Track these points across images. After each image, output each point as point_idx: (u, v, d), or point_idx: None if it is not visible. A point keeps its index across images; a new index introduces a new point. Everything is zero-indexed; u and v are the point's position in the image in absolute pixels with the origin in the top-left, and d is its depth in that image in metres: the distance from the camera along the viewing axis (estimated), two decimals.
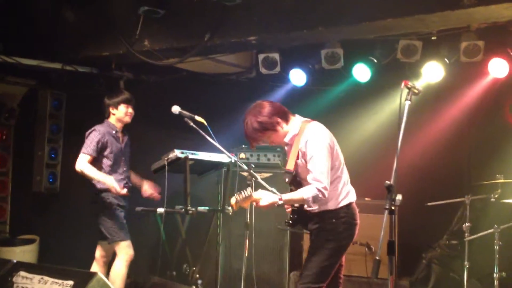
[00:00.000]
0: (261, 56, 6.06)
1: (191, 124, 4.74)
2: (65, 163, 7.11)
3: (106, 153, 4.99)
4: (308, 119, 3.86)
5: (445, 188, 5.60)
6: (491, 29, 5.03)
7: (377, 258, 2.89)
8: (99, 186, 4.95)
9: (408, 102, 3.13)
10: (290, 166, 3.74)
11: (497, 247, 4.94)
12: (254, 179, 4.67)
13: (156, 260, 4.91)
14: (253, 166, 4.67)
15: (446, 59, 5.48)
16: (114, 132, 5.10)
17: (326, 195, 3.60)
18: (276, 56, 6.00)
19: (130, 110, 5.14)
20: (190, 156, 4.46)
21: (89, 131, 5.03)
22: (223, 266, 5.67)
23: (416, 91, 3.15)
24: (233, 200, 3.58)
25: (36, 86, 6.93)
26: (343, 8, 4.57)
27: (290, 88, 6.49)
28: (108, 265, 5.08)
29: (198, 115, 4.69)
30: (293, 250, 6.16)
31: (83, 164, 4.87)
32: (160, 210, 4.51)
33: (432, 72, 5.55)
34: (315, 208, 3.74)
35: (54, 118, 6.96)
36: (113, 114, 5.13)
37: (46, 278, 3.95)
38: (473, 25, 4.96)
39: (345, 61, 5.78)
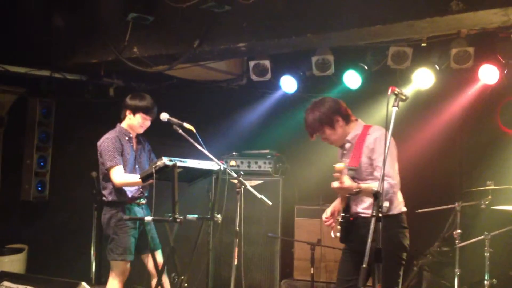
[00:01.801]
0: (251, 63, 6.04)
1: (180, 131, 4.71)
2: (54, 171, 7.06)
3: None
4: (369, 125, 3.87)
5: (436, 195, 5.60)
6: (481, 36, 5.03)
7: (364, 266, 2.85)
8: (110, 198, 4.75)
9: (395, 108, 3.10)
10: (354, 163, 3.70)
11: (488, 254, 4.92)
12: (243, 186, 4.66)
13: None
14: (242, 173, 4.65)
15: (436, 66, 5.48)
16: (126, 138, 4.83)
17: (396, 192, 3.60)
18: (267, 63, 5.99)
19: (147, 122, 4.81)
20: (179, 164, 4.40)
21: (101, 141, 4.75)
22: (212, 275, 5.63)
23: (404, 97, 3.13)
24: (340, 165, 3.47)
25: (25, 94, 6.89)
26: (332, 15, 4.56)
27: (281, 95, 6.47)
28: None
29: (188, 122, 4.66)
30: (284, 258, 6.13)
31: (120, 176, 4.62)
32: (148, 218, 4.45)
33: (423, 79, 5.54)
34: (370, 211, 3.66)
35: (43, 126, 6.91)
36: (128, 119, 4.84)
37: None
38: (462, 31, 4.96)
39: (336, 68, 5.77)
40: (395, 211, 3.70)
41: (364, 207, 3.73)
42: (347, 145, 3.84)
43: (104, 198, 4.80)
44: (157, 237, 4.93)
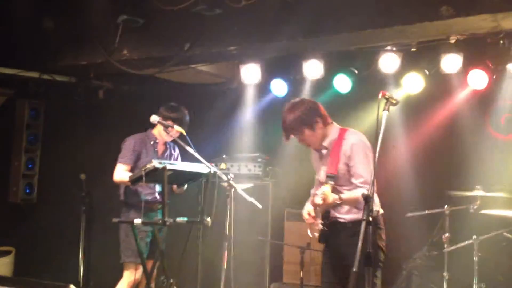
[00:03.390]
0: (242, 67, 6.04)
1: (170, 134, 4.70)
2: (43, 173, 7.01)
3: (139, 163, 4.79)
4: (346, 128, 3.85)
5: (425, 199, 5.61)
6: (470, 41, 5.06)
7: (354, 270, 2.85)
8: (121, 198, 4.80)
9: (386, 113, 3.11)
10: (331, 170, 3.67)
11: (476, 258, 4.94)
12: (233, 189, 4.65)
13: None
14: (233, 176, 4.65)
15: (426, 71, 5.51)
16: (151, 142, 4.91)
17: (375, 199, 3.55)
18: (258, 66, 5.99)
19: (174, 132, 4.75)
20: (168, 167, 4.39)
21: (125, 139, 4.89)
22: (201, 278, 5.60)
23: (394, 101, 3.14)
24: (327, 188, 3.43)
25: (13, 95, 6.84)
26: (323, 19, 4.58)
27: (271, 98, 6.47)
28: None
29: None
30: (273, 261, 6.12)
31: (118, 173, 4.72)
32: (137, 221, 4.42)
33: (412, 84, 5.57)
34: (349, 216, 3.67)
35: (31, 128, 6.86)
36: (158, 126, 4.89)
37: None
38: (452, 37, 4.98)
39: (326, 72, 5.78)
40: (374, 214, 3.67)
41: (342, 212, 3.72)
42: (324, 151, 3.80)
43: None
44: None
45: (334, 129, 3.79)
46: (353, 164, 3.61)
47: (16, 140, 6.83)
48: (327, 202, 3.44)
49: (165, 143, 5.01)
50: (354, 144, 3.64)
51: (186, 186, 4.89)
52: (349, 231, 3.65)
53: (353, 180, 3.60)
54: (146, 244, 4.74)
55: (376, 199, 3.73)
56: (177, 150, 5.03)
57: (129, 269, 4.74)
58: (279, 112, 6.13)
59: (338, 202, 3.50)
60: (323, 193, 3.40)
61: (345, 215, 3.69)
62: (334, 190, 3.61)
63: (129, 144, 4.85)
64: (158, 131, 4.94)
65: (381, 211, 3.76)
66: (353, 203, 3.61)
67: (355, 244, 3.48)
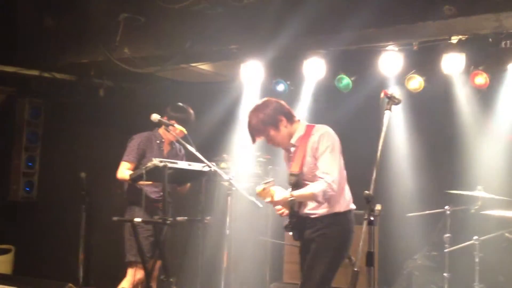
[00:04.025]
0: (243, 65, 6.02)
1: (171, 132, 4.70)
2: (43, 172, 7.00)
3: (143, 161, 4.73)
4: (313, 124, 3.82)
5: (426, 199, 5.60)
6: (472, 41, 5.04)
7: (356, 269, 2.84)
8: (125, 195, 4.79)
9: (388, 112, 3.10)
10: (295, 168, 3.65)
11: (477, 259, 4.93)
12: (234, 188, 4.64)
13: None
14: (234, 175, 4.64)
15: (427, 70, 5.49)
16: (158, 141, 4.90)
17: (336, 190, 3.51)
18: (259, 65, 5.97)
19: (178, 131, 4.71)
20: (169, 165, 4.38)
21: (131, 137, 4.89)
22: (202, 277, 5.60)
23: (396, 100, 3.13)
24: (259, 188, 3.47)
25: (14, 93, 6.83)
26: (325, 18, 4.57)
27: (272, 97, 6.43)
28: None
29: None
30: (274, 260, 6.11)
31: (121, 171, 4.72)
32: (137, 219, 4.41)
33: (414, 83, 5.55)
34: (321, 211, 3.62)
35: (32, 126, 6.86)
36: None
37: None
38: (454, 37, 4.97)
39: (328, 71, 5.76)
40: (341, 208, 3.63)
41: (310, 208, 3.67)
42: (292, 149, 3.77)
43: None
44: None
45: (301, 126, 3.76)
46: (318, 155, 3.59)
47: (16, 138, 6.83)
48: (275, 200, 3.46)
49: (171, 143, 5.00)
50: (322, 135, 3.63)
51: (189, 185, 4.84)
52: (320, 226, 3.63)
53: (316, 172, 3.57)
54: (151, 243, 4.71)
55: (348, 193, 3.71)
56: (183, 151, 4.99)
57: (133, 268, 4.72)
58: None
59: (290, 199, 3.50)
60: (258, 193, 3.44)
61: (313, 210, 3.65)
62: (298, 186, 3.60)
63: (135, 142, 4.84)
64: (163, 130, 4.91)
65: (352, 206, 3.72)
66: (308, 199, 3.59)
67: (327, 239, 3.58)
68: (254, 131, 3.74)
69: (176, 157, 4.95)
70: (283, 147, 3.85)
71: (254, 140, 3.81)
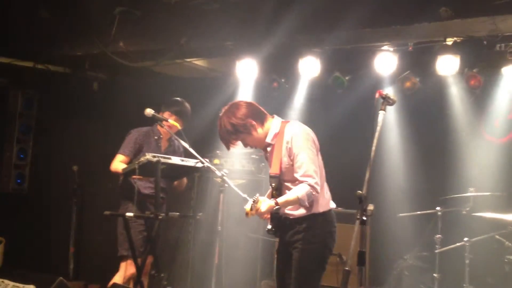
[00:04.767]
0: (238, 62, 6.01)
1: (165, 127, 4.69)
2: (35, 164, 6.97)
3: (140, 156, 4.62)
4: (287, 120, 3.71)
5: (417, 200, 5.62)
6: (467, 43, 5.06)
7: (347, 268, 2.84)
8: (120, 190, 4.76)
9: (382, 112, 3.10)
10: (274, 169, 3.54)
11: (468, 260, 4.96)
12: (226, 185, 4.64)
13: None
14: (227, 172, 4.63)
15: (422, 71, 5.50)
16: (156, 137, 4.87)
17: (319, 191, 3.42)
18: (254, 62, 5.96)
19: (172, 126, 4.67)
20: (162, 160, 4.36)
21: (129, 131, 4.87)
22: (193, 273, 5.61)
23: (391, 101, 3.12)
24: (248, 208, 3.36)
25: (6, 84, 6.79)
26: (320, 16, 4.57)
27: (266, 95, 6.45)
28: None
29: None
30: (265, 258, 6.12)
31: (115, 163, 4.70)
32: (129, 214, 4.40)
33: (408, 84, 5.56)
34: (300, 212, 3.51)
35: (24, 117, 6.83)
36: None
37: (7, 281, 3.84)
38: (449, 38, 4.99)
39: (322, 70, 5.76)
40: (320, 209, 3.52)
41: (289, 208, 3.55)
42: (269, 149, 3.66)
43: None
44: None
45: (275, 122, 3.64)
46: (293, 157, 3.48)
47: (8, 129, 6.80)
48: (260, 212, 3.36)
49: (170, 140, 4.98)
50: (294, 135, 3.51)
51: (186, 182, 4.85)
52: (299, 228, 3.53)
53: (295, 175, 3.46)
54: (143, 238, 4.70)
55: (327, 192, 3.62)
56: (181, 148, 4.96)
57: (125, 263, 4.70)
58: (275, 108, 6.18)
59: (276, 207, 3.39)
60: (252, 208, 3.33)
61: (292, 210, 3.55)
62: (282, 188, 3.52)
63: (132, 136, 4.82)
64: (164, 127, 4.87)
65: (332, 205, 3.62)
66: (294, 204, 3.47)
67: (308, 248, 3.45)
68: (226, 140, 3.65)
69: (174, 154, 4.92)
70: (260, 147, 3.75)
71: (228, 148, 3.72)
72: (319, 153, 3.60)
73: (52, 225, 6.74)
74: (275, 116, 3.71)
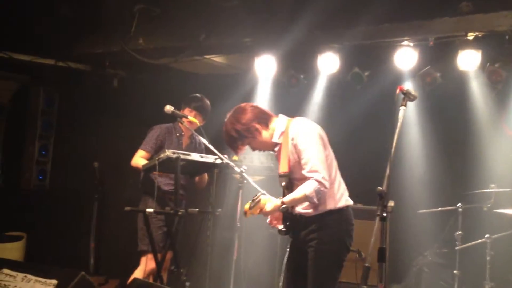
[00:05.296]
0: (257, 58, 6.01)
1: (184, 124, 4.72)
2: (56, 160, 7.05)
3: (161, 152, 4.65)
4: (292, 117, 3.67)
5: (438, 196, 5.58)
6: (489, 38, 5.00)
7: (367, 265, 2.84)
8: (140, 185, 4.83)
9: (403, 108, 3.07)
10: (283, 168, 3.51)
11: (489, 257, 4.91)
12: (245, 181, 4.65)
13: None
14: (246, 168, 4.64)
15: (443, 67, 5.45)
16: (177, 134, 4.92)
17: (328, 186, 3.34)
18: (273, 59, 5.95)
19: (192, 123, 4.72)
20: (182, 157, 4.40)
21: (152, 127, 4.92)
22: (212, 269, 5.63)
23: (412, 97, 3.10)
24: (247, 206, 3.39)
25: (28, 82, 6.87)
26: (340, 12, 4.55)
27: (285, 91, 6.44)
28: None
29: None
30: (283, 253, 6.10)
31: (136, 159, 4.76)
32: (149, 210, 4.44)
33: (429, 80, 5.51)
34: (315, 210, 3.45)
35: (46, 114, 6.90)
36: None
37: (29, 276, 3.88)
38: (470, 33, 4.93)
39: (342, 66, 5.74)
40: (335, 205, 3.45)
41: (303, 207, 3.50)
42: (276, 148, 3.61)
43: None
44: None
45: (280, 121, 3.60)
46: (300, 153, 3.43)
47: (30, 126, 6.88)
48: (266, 211, 3.35)
49: (191, 137, 5.01)
50: (299, 131, 3.47)
51: (207, 179, 4.91)
52: (314, 227, 3.47)
53: (303, 172, 3.41)
54: (163, 233, 4.74)
55: (342, 187, 3.54)
56: (202, 145, 4.94)
57: (144, 258, 4.75)
58: (293, 105, 6.19)
59: (283, 206, 3.37)
60: (249, 210, 3.35)
61: (307, 209, 3.49)
62: (293, 187, 3.47)
63: (154, 133, 4.87)
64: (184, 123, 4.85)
65: (349, 202, 3.55)
66: (301, 201, 3.43)
67: (324, 249, 3.39)
68: (232, 146, 3.64)
69: (195, 151, 4.93)
70: (269, 150, 3.71)
71: (236, 153, 3.74)
72: (328, 147, 3.54)
73: (73, 221, 6.81)
74: (280, 115, 3.67)
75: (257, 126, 3.56)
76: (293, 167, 3.50)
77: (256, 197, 3.40)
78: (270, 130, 3.59)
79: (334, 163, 3.57)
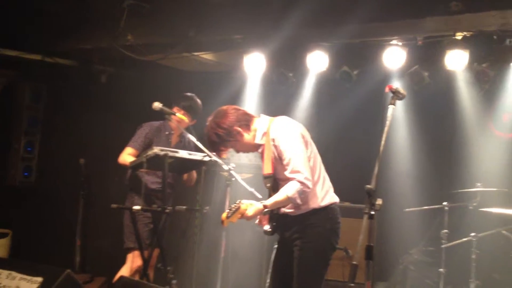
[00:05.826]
0: (246, 56, 6.00)
1: (172, 121, 4.69)
2: (42, 157, 6.98)
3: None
4: (273, 117, 3.65)
5: (424, 194, 5.62)
6: (477, 38, 5.03)
7: (354, 262, 2.84)
8: (126, 182, 4.81)
9: (392, 107, 3.08)
10: (267, 169, 3.50)
11: (474, 256, 4.95)
12: (233, 179, 4.64)
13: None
14: (234, 166, 4.63)
15: (431, 66, 5.48)
16: (166, 132, 4.89)
17: (311, 186, 3.34)
18: (262, 56, 5.95)
19: (180, 120, 4.72)
20: (170, 154, 4.38)
21: (141, 125, 4.89)
22: (199, 267, 5.62)
23: (401, 95, 3.11)
24: (224, 215, 3.39)
25: (15, 77, 6.79)
26: (329, 10, 4.55)
27: (274, 89, 6.44)
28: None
29: None
30: (271, 251, 6.11)
31: (123, 156, 4.73)
32: (136, 207, 4.41)
33: (417, 79, 5.54)
34: (300, 209, 3.44)
35: (32, 110, 6.81)
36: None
37: (14, 273, 3.84)
38: (459, 33, 4.96)
39: (330, 64, 5.75)
40: (320, 203, 3.45)
41: (288, 206, 3.49)
42: (260, 150, 3.60)
43: None
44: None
45: (261, 122, 3.58)
46: (281, 154, 3.42)
47: (16, 122, 6.79)
48: (248, 215, 3.35)
49: (181, 135, 4.98)
50: (278, 131, 3.45)
51: (195, 177, 4.91)
52: (300, 226, 3.48)
53: (285, 173, 3.40)
54: (150, 230, 4.71)
55: (327, 185, 3.54)
56: (192, 144, 4.90)
57: (130, 255, 4.73)
58: (282, 103, 6.18)
59: (265, 210, 3.37)
60: (227, 218, 3.36)
61: (290, 208, 3.49)
62: (278, 187, 3.45)
63: (143, 130, 4.85)
64: (174, 122, 4.84)
65: (334, 199, 3.54)
66: (284, 203, 3.42)
67: (308, 238, 3.41)
68: (216, 150, 3.64)
69: (184, 150, 4.91)
70: (253, 151, 3.69)
71: (220, 156, 3.75)
72: (311, 145, 3.53)
73: (59, 218, 6.75)
74: (262, 115, 3.65)
75: (239, 129, 3.55)
76: (276, 168, 3.49)
77: (235, 204, 3.39)
78: (252, 131, 3.58)
79: (318, 160, 3.56)
